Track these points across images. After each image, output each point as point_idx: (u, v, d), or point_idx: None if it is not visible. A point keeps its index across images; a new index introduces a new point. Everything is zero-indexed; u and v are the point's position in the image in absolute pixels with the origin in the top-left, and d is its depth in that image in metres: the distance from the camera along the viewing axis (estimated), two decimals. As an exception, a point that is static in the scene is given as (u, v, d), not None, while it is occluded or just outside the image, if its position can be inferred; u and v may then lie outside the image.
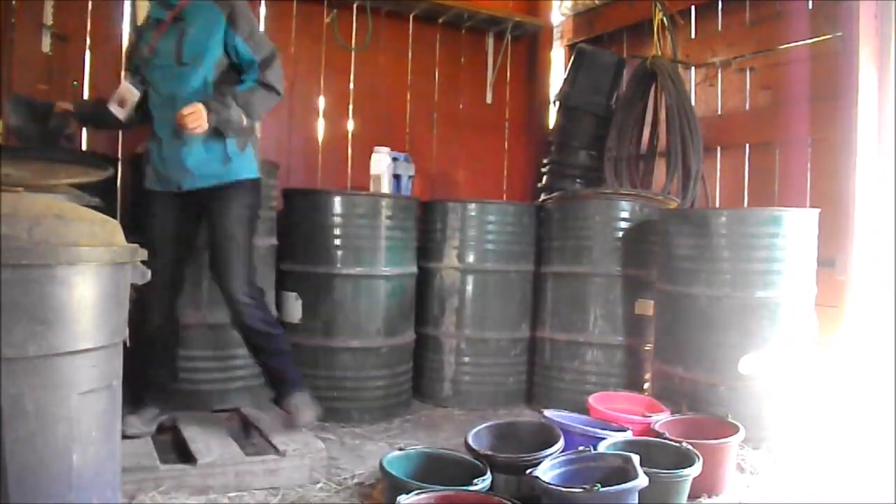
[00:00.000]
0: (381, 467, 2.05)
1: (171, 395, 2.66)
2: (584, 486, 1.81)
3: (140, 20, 3.34)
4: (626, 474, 1.93)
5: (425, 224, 3.66)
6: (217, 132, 2.45)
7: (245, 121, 2.48)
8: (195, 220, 2.62)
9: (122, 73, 2.70)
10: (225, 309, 2.58)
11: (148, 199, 2.60)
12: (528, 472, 1.95)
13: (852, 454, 2.65)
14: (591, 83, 4.23)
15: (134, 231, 2.17)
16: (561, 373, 3.51)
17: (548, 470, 1.99)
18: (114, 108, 2.51)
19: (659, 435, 2.41)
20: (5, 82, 3.18)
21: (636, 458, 1.98)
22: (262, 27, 3.92)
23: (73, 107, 2.61)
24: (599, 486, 1.79)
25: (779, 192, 3.53)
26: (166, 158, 2.51)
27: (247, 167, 2.57)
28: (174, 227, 2.58)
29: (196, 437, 2.46)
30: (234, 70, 2.54)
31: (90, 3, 3.47)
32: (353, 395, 3.21)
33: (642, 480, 1.87)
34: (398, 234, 3.33)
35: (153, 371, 2.59)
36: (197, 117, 2.33)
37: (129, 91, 2.51)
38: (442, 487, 1.90)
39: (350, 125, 4.23)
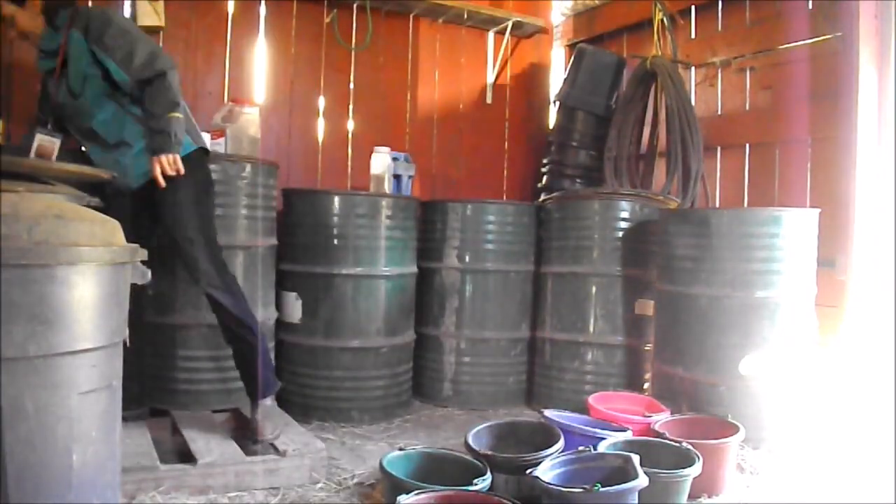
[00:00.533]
0: (381, 467, 2.05)
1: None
2: (584, 486, 1.81)
3: (139, 21, 3.35)
4: (626, 474, 1.94)
5: (425, 224, 3.67)
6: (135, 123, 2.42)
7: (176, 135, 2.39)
8: (147, 217, 2.58)
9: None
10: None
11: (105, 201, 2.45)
12: (528, 472, 1.95)
13: (852, 454, 2.65)
14: (591, 83, 4.23)
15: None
16: (561, 373, 3.50)
17: (548, 470, 1.99)
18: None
19: (659, 435, 2.41)
20: (5, 82, 3.18)
21: (636, 458, 1.98)
22: (261, 27, 3.93)
23: None
24: (599, 486, 1.79)
25: (779, 192, 3.53)
26: (103, 166, 2.45)
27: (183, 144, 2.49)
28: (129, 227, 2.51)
29: (196, 437, 2.46)
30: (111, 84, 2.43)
31: (89, 3, 3.46)
32: (353, 395, 3.21)
33: (642, 480, 1.87)
34: (398, 234, 3.33)
35: None
36: (172, 167, 2.34)
37: (50, 141, 2.37)
38: (442, 487, 1.90)
39: (350, 125, 4.23)
